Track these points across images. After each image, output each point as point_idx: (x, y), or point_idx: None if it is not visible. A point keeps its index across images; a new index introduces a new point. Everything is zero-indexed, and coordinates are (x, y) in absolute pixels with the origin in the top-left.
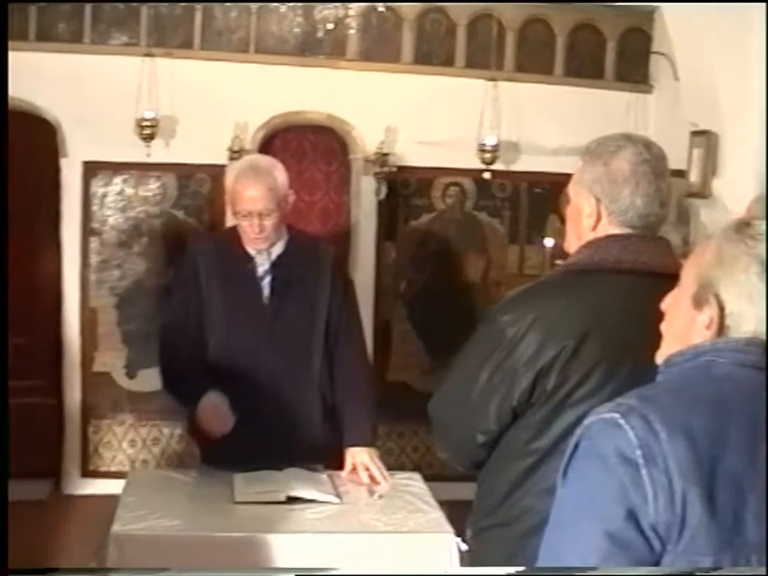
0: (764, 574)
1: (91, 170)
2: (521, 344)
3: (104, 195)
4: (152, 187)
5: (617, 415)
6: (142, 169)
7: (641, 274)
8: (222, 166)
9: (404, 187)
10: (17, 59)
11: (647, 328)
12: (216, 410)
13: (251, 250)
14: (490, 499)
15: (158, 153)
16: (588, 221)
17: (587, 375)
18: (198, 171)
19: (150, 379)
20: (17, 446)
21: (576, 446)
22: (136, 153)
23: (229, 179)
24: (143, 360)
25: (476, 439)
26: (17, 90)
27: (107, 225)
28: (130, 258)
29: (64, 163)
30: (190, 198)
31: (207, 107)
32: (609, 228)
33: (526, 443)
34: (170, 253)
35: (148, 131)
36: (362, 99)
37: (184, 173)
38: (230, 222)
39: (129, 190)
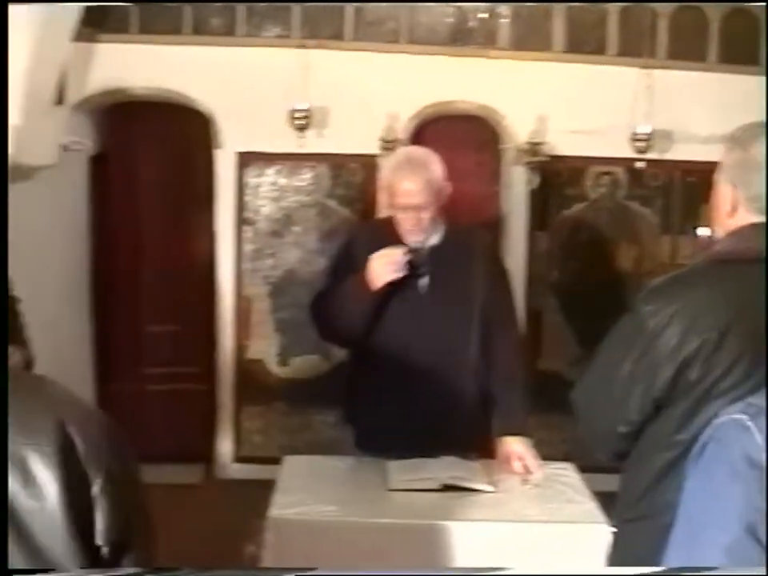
0: (764, 574)
1: (245, 160)
2: (663, 335)
3: (257, 185)
4: (305, 177)
5: (745, 417)
6: (295, 159)
7: None
8: (375, 156)
9: (555, 176)
10: (172, 53)
11: None
12: (389, 254)
13: (407, 240)
14: (634, 491)
15: (311, 143)
16: (727, 207)
17: (731, 367)
18: (350, 161)
19: (302, 367)
20: (170, 431)
21: (705, 444)
22: (289, 143)
23: (385, 172)
24: (296, 348)
25: (618, 430)
26: (172, 82)
27: (260, 214)
28: (283, 247)
29: (218, 154)
30: (343, 187)
31: (359, 98)
32: (747, 216)
33: (669, 435)
34: (322, 242)
35: (301, 122)
36: (513, 88)
37: (337, 163)
38: (382, 212)
39: (282, 180)
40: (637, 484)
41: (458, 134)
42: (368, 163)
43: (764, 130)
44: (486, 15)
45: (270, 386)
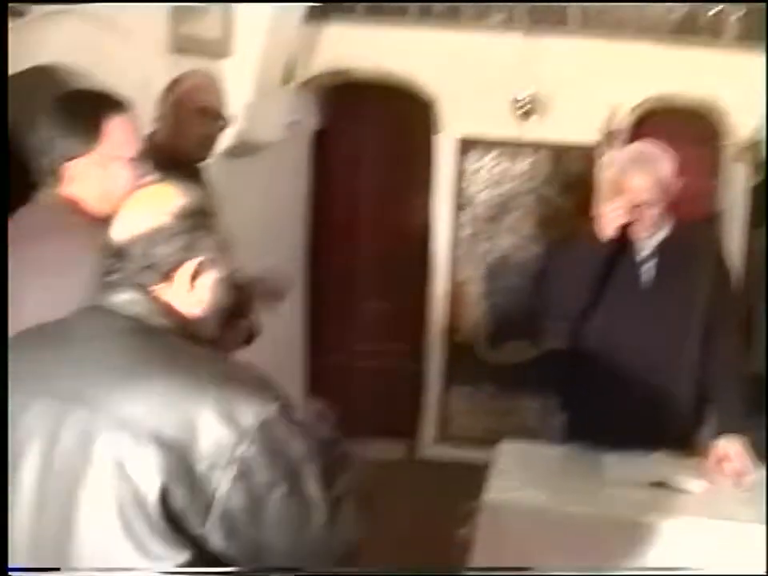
0: (764, 573)
1: (465, 145)
2: None
3: (476, 170)
4: (524, 164)
5: None
6: (515, 146)
7: None
8: (594, 146)
9: None
10: (396, 36)
11: None
12: (619, 201)
13: (633, 236)
14: None
15: (532, 130)
16: None
17: None
18: (569, 150)
19: (511, 351)
20: (377, 407)
21: None
22: (509, 130)
23: (615, 166)
24: (506, 332)
25: None
26: (395, 65)
27: (478, 199)
28: (498, 233)
29: (438, 138)
30: (561, 176)
31: (582, 87)
32: None
33: None
34: (538, 230)
35: (523, 109)
36: (737, 84)
37: (556, 151)
38: (600, 202)
39: (501, 167)
40: None
41: (678, 127)
42: (587, 153)
43: None
44: (718, 8)
45: (479, 369)
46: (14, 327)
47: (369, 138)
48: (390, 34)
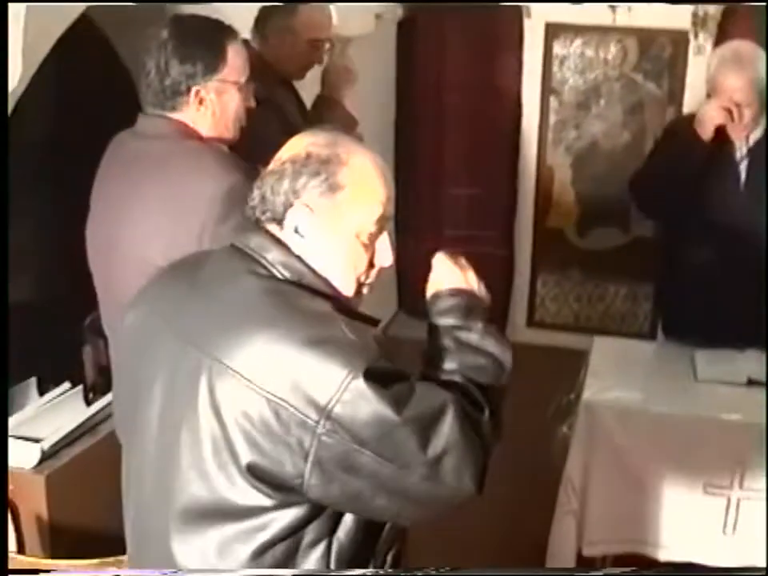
0: (764, 574)
1: (553, 31)
2: None
3: (565, 56)
4: (612, 50)
5: None
6: (603, 31)
7: None
8: (684, 32)
9: None
10: None
11: None
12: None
13: (730, 136)
14: None
15: (620, 16)
16: None
17: None
18: (659, 36)
19: (600, 238)
20: None
21: None
22: (598, 15)
23: (711, 65)
24: (594, 219)
25: None
26: None
27: (566, 85)
28: (587, 119)
29: (527, 24)
30: (650, 62)
31: None
32: None
33: None
34: (626, 116)
35: None
36: None
37: (645, 36)
38: (689, 89)
39: (589, 52)
40: None
41: None
42: (677, 38)
43: None
44: None
45: (567, 255)
46: (135, 246)
47: (456, 23)
48: None
